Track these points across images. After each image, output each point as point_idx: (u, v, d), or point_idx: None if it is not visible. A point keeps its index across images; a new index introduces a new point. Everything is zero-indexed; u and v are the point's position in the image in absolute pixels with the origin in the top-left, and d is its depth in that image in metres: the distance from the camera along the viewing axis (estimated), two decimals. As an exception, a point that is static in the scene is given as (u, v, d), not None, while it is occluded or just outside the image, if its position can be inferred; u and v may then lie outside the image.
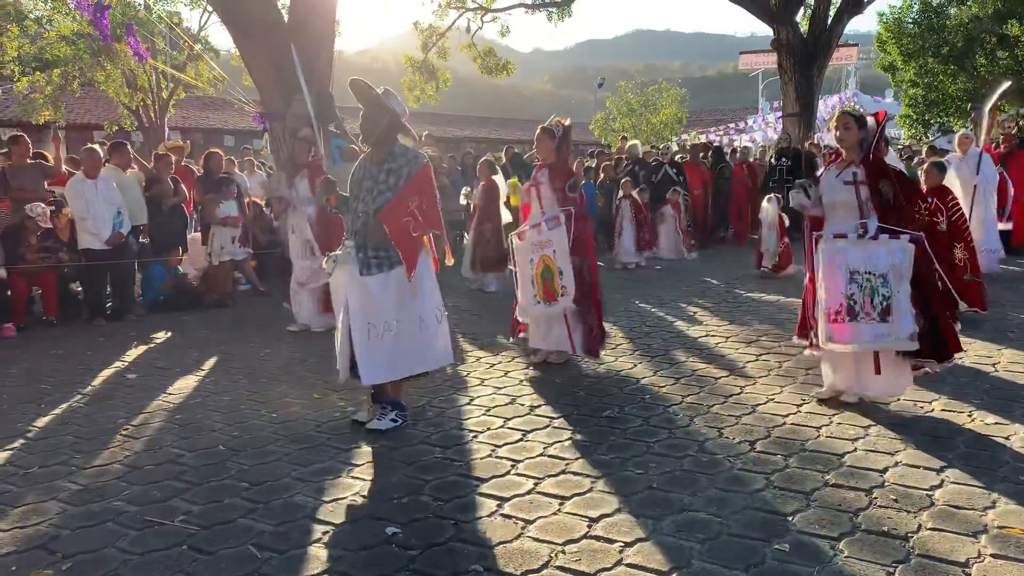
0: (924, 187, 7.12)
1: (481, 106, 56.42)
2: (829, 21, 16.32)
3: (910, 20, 24.87)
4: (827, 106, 26.45)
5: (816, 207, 4.77)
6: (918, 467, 3.72)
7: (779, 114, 20.88)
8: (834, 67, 28.99)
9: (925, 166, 7.56)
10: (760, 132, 27.16)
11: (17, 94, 19.75)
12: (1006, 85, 10.61)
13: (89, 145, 8.47)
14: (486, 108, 56.20)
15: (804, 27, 16.93)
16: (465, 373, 5.66)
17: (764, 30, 16.89)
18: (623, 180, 12.00)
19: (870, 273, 4.42)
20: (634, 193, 11.68)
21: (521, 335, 6.06)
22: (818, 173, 4.95)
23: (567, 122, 5.78)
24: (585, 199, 5.95)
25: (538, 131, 5.76)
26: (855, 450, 3.96)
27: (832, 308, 4.51)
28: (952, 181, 8.42)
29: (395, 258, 4.31)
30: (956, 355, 4.67)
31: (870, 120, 4.66)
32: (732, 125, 30.43)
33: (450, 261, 5.42)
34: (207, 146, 14.05)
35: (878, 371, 4.52)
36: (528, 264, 5.74)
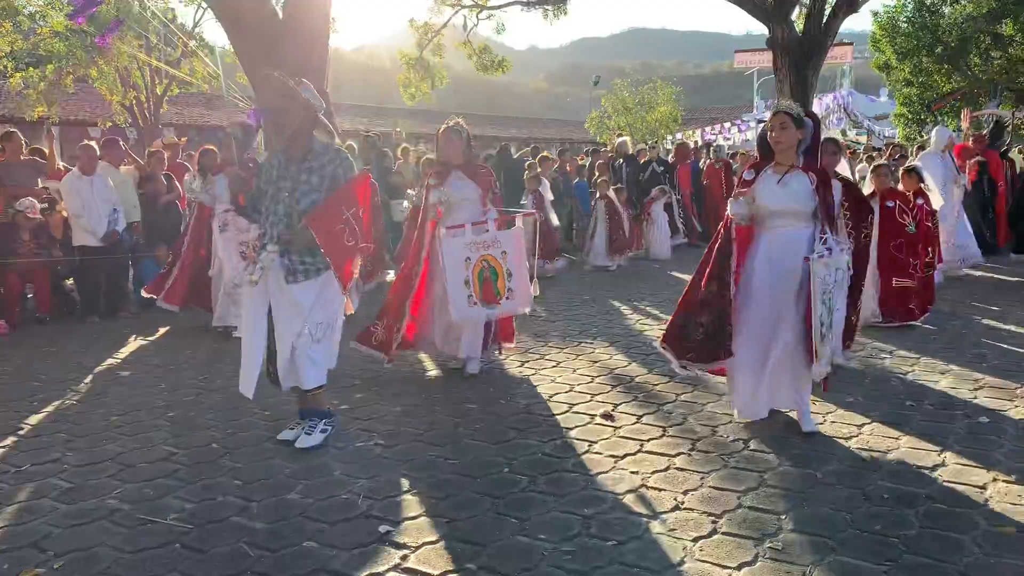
0: (902, 187, 7.11)
1: (476, 104, 56.25)
2: (824, 20, 16.32)
3: (904, 19, 24.95)
4: (822, 105, 26.54)
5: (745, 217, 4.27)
6: (912, 466, 3.73)
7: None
8: (829, 66, 28.97)
9: (900, 171, 7.47)
10: (755, 130, 27.18)
11: (10, 90, 19.64)
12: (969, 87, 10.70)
13: (85, 141, 8.42)
14: (481, 106, 56.10)
15: (799, 26, 16.92)
16: (458, 371, 5.65)
17: (759, 28, 16.86)
18: (599, 180, 11.42)
19: (831, 293, 4.15)
20: (610, 193, 11.16)
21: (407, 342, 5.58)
22: (748, 178, 4.33)
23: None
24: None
25: (444, 131, 5.45)
26: (849, 448, 3.97)
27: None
28: (928, 178, 8.48)
29: (322, 264, 4.09)
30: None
31: (808, 121, 4.21)
32: (728, 124, 30.46)
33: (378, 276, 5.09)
34: (201, 143, 14.00)
35: (825, 388, 4.39)
36: (462, 263, 5.32)
